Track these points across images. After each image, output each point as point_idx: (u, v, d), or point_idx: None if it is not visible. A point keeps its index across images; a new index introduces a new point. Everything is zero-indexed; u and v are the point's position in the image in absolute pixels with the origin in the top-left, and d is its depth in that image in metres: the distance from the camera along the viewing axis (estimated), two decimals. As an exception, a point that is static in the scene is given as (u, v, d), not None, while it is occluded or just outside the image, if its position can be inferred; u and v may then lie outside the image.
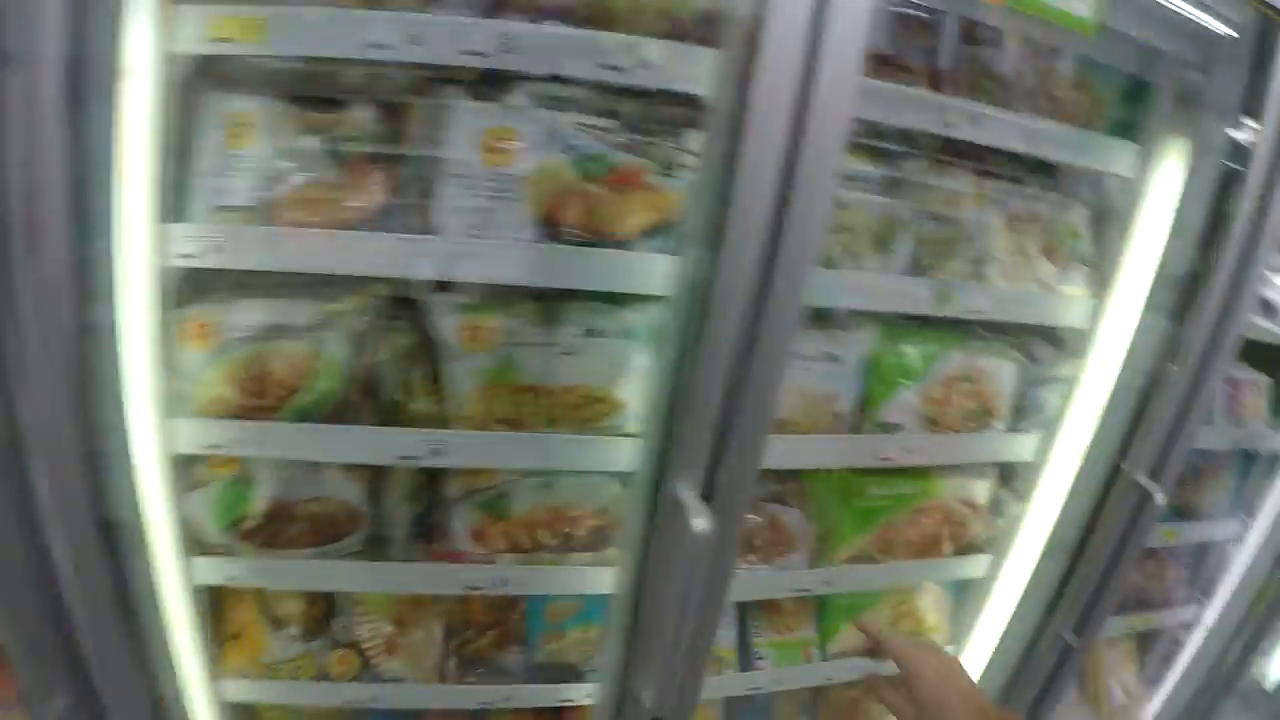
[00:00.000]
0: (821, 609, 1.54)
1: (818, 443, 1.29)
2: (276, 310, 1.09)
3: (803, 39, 0.86)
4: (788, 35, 0.85)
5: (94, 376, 0.97)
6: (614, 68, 1.00)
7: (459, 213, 1.05)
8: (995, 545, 1.55)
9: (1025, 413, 1.45)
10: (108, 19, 0.88)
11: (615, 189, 1.08)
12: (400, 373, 1.14)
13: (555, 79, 1.04)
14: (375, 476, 1.22)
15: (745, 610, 1.51)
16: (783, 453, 1.25)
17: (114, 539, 1.05)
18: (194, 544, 1.16)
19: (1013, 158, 1.27)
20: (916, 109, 1.13)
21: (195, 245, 1.01)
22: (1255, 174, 1.20)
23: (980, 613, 1.58)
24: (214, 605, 1.27)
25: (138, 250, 0.98)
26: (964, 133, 1.15)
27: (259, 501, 1.17)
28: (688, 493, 1.02)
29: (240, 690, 1.30)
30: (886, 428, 1.33)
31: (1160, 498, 1.34)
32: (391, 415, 1.15)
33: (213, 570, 1.18)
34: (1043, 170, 1.37)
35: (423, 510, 1.26)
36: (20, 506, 0.94)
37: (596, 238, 1.08)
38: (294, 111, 1.05)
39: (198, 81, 1.03)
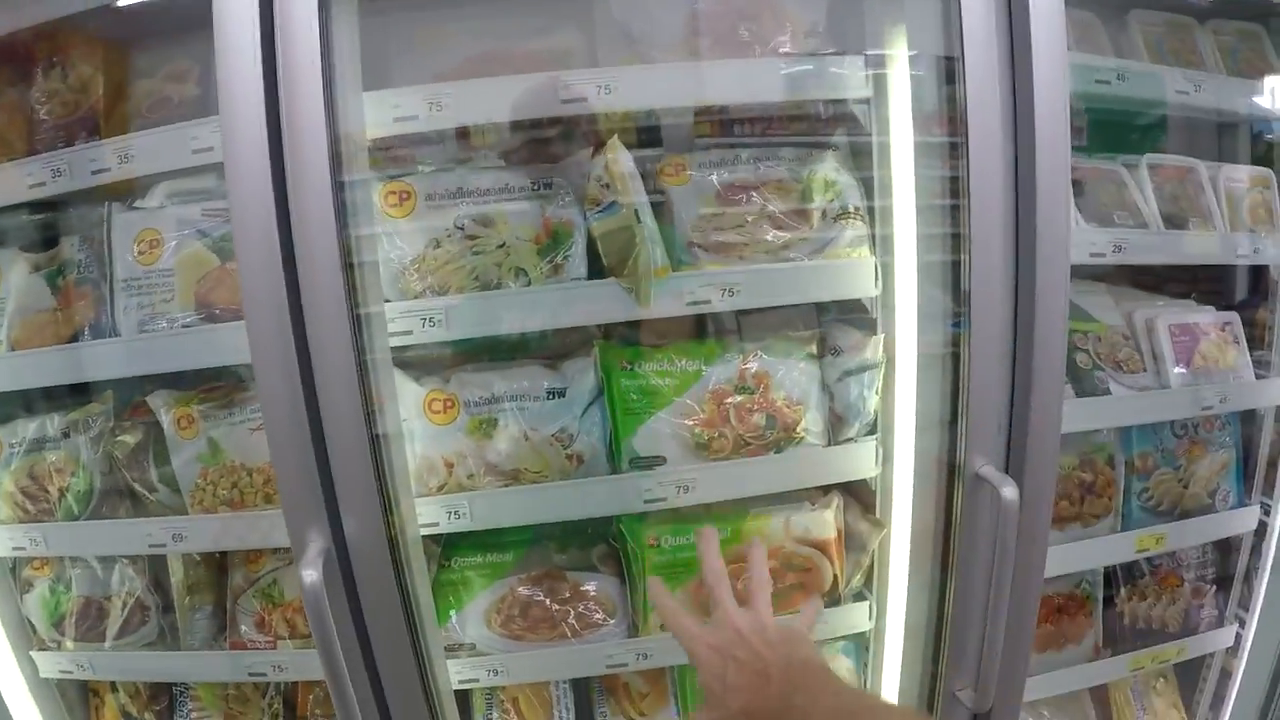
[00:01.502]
0: (682, 688, 1.30)
1: (552, 490, 1.14)
2: (38, 424, 1.25)
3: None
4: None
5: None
6: (208, 149, 1.05)
7: (128, 312, 1.14)
8: (876, 590, 1.22)
9: (848, 418, 1.16)
10: None
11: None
12: (138, 468, 1.22)
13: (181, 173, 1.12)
14: (155, 568, 1.29)
15: (586, 691, 1.32)
16: (509, 506, 1.13)
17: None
18: (31, 641, 1.32)
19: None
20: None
21: (-45, 373, 1.20)
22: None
23: (880, 676, 1.24)
24: (84, 704, 1.41)
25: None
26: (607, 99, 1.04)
27: (74, 599, 1.31)
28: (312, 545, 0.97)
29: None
30: (644, 463, 1.14)
31: (1010, 491, 0.99)
32: (143, 508, 1.24)
33: (49, 664, 1.32)
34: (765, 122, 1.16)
35: (217, 601, 1.31)
36: None
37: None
38: (26, 256, 1.23)
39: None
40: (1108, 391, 1.28)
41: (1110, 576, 1.42)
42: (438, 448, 1.13)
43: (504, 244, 1.08)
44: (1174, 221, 1.34)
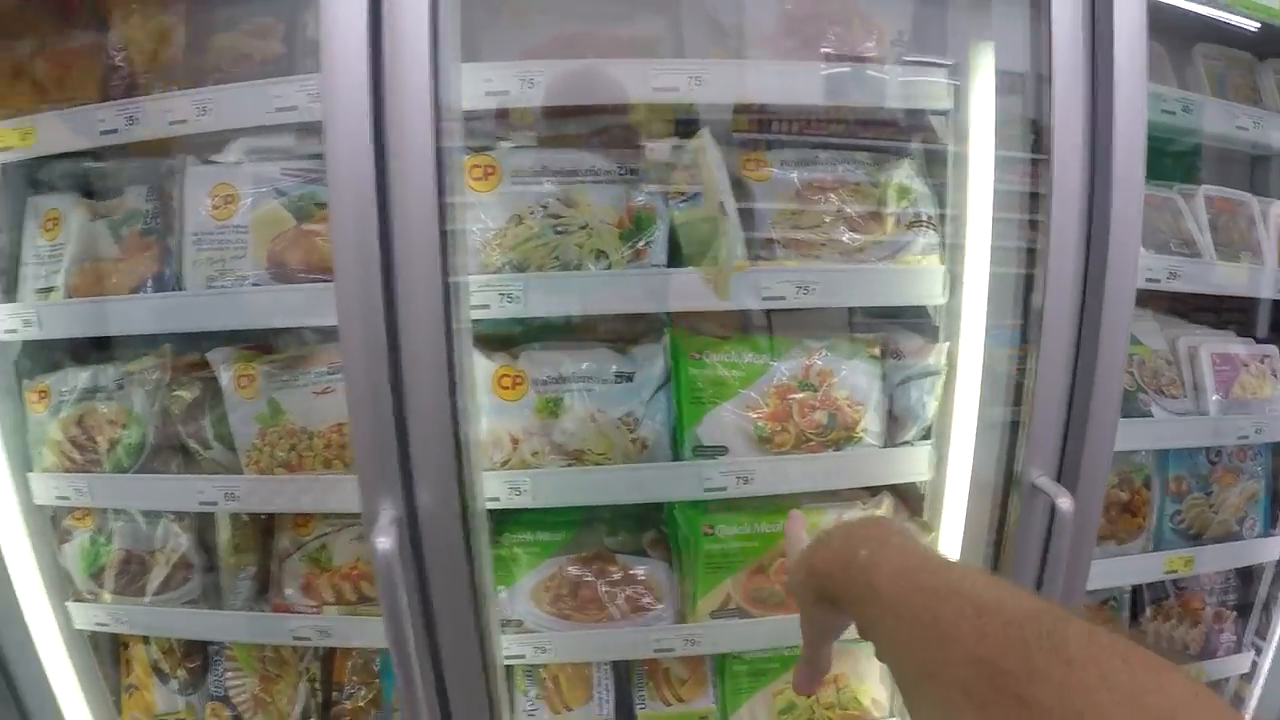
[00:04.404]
0: (721, 676, 1.32)
1: (615, 473, 1.15)
2: (90, 373, 1.23)
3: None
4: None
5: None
6: (291, 108, 1.04)
7: (197, 266, 1.13)
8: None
9: (905, 421, 1.18)
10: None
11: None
12: (193, 424, 1.22)
13: (260, 130, 1.11)
14: (201, 526, 1.29)
15: (627, 673, 1.34)
16: (571, 486, 1.14)
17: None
18: (67, 591, 1.30)
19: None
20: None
21: (16, 321, 1.19)
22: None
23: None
24: (114, 656, 1.40)
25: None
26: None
27: (114, 552, 1.30)
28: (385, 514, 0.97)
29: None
30: (707, 452, 1.16)
31: (1066, 502, 1.01)
32: (194, 465, 1.23)
33: (84, 616, 1.31)
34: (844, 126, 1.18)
35: (262, 563, 1.31)
36: None
37: (322, 274, 1.10)
38: (87, 203, 1.22)
39: (23, 188, 1.24)
40: (1150, 414, 1.32)
41: (1135, 595, 1.45)
42: (504, 423, 1.13)
43: (586, 225, 1.09)
44: (1223, 252, 1.37)
